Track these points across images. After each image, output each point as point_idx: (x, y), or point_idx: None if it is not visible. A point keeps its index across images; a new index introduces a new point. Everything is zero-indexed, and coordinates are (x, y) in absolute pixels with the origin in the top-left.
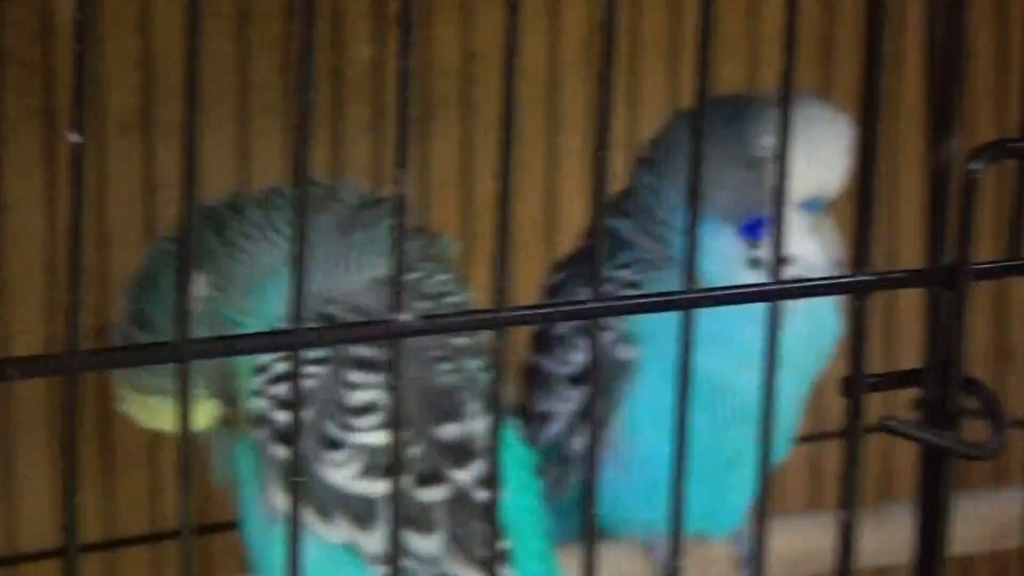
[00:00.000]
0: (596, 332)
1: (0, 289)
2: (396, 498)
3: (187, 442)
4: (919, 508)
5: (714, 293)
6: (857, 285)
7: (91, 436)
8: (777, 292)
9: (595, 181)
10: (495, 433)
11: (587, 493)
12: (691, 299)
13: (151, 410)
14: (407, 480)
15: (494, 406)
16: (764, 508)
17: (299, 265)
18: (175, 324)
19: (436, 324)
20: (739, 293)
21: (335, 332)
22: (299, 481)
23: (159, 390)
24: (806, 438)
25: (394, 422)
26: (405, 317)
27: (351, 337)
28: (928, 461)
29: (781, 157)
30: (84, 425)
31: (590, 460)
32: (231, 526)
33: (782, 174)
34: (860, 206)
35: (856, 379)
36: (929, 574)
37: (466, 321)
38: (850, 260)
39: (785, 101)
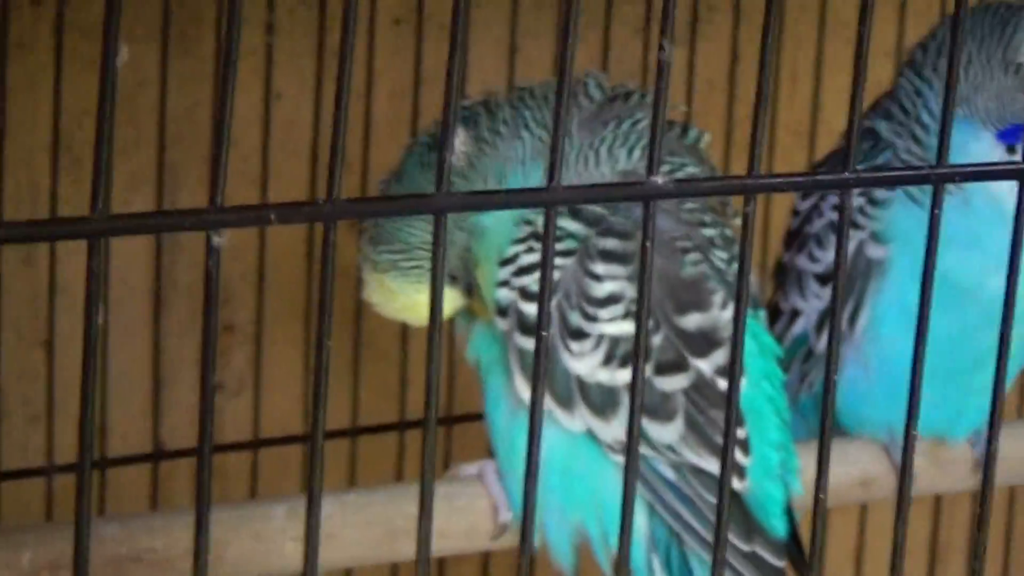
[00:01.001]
0: (846, 203)
1: (266, 177)
2: (637, 383)
3: (437, 304)
4: None
5: (965, 169)
6: None
7: (342, 330)
8: (1020, 171)
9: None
10: (739, 316)
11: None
12: (941, 174)
13: (395, 296)
14: (648, 368)
15: (740, 283)
16: (997, 409)
17: (559, 124)
18: (434, 175)
19: (689, 187)
20: (991, 170)
21: (590, 191)
22: (542, 364)
23: (402, 272)
24: None
25: (640, 286)
26: (659, 179)
27: (605, 196)
28: None
29: None
30: (336, 315)
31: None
32: (476, 417)
33: None
34: None
35: None
36: None
37: (718, 186)
38: None
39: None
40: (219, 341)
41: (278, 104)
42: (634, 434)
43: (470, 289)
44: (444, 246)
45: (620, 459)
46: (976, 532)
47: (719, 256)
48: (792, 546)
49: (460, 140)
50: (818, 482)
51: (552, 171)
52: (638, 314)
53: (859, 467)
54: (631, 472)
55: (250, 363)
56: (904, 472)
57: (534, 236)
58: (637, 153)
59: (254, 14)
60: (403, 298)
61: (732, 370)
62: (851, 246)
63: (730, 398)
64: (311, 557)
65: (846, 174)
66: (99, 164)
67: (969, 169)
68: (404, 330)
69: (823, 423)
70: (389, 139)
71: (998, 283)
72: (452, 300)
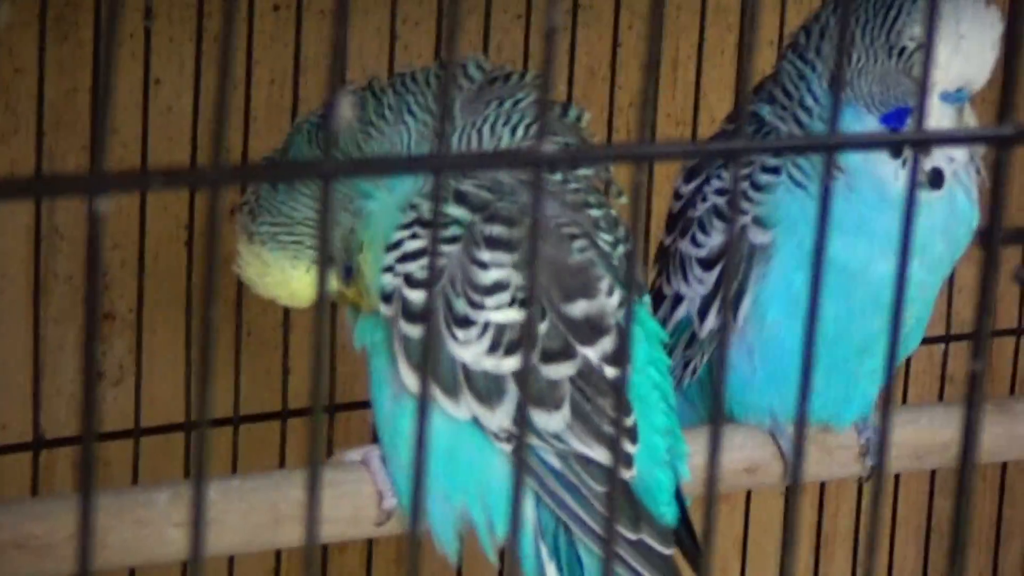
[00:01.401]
0: (736, 171)
1: (145, 163)
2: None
3: (324, 265)
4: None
5: (856, 138)
6: (1000, 137)
7: (224, 319)
8: (917, 140)
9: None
10: (627, 303)
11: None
12: (833, 143)
13: (269, 269)
14: (534, 356)
15: (627, 272)
16: (889, 395)
17: (444, 100)
18: (320, 144)
19: (578, 153)
20: (880, 138)
21: (478, 157)
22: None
23: (280, 245)
24: (937, 339)
25: (527, 262)
26: (548, 146)
27: (493, 163)
28: None
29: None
30: (218, 303)
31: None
32: (360, 405)
33: (927, 63)
34: (1006, 55)
35: (993, 231)
36: None
37: (608, 153)
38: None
39: None
40: (99, 329)
41: (157, 89)
42: (523, 421)
43: (348, 273)
44: (331, 213)
45: (505, 447)
46: (872, 515)
47: (604, 239)
48: (683, 532)
49: (347, 105)
50: (711, 471)
51: (440, 136)
52: (528, 284)
53: (745, 453)
54: (519, 460)
55: (131, 351)
56: (796, 458)
57: (419, 222)
58: (520, 132)
59: None
60: (277, 272)
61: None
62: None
63: (620, 391)
64: (197, 543)
65: (736, 143)
66: None
67: (860, 138)
68: (286, 318)
69: (714, 409)
70: (269, 126)
71: (884, 268)
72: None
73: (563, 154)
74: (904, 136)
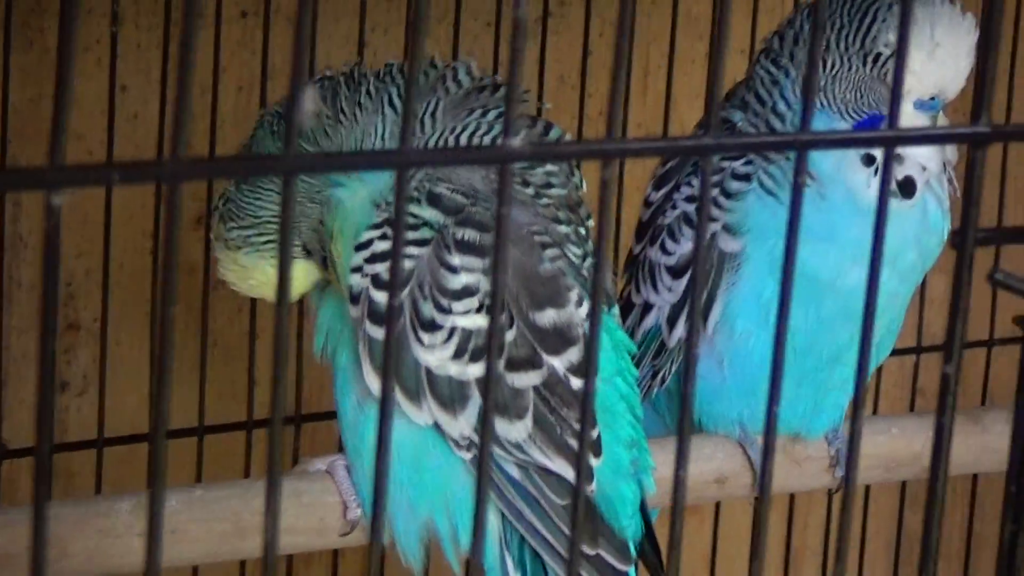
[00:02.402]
0: (706, 167)
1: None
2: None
3: (284, 262)
4: (1020, 368)
5: (829, 136)
6: (974, 136)
7: (188, 328)
8: (892, 138)
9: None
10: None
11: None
12: (805, 141)
13: (250, 272)
14: (500, 364)
15: (595, 281)
16: (860, 404)
17: (410, 89)
18: (283, 137)
19: (545, 150)
20: (854, 138)
21: (444, 153)
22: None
23: (255, 248)
24: (907, 351)
25: (495, 253)
26: (515, 142)
27: (459, 159)
28: None
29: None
30: (182, 314)
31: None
32: (325, 416)
33: (900, 62)
34: (981, 56)
35: (966, 232)
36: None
37: (576, 149)
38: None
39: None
40: (63, 339)
41: (123, 96)
42: (488, 429)
43: (325, 262)
44: (292, 209)
45: (466, 455)
46: (841, 528)
47: (574, 251)
48: (647, 546)
49: (310, 99)
50: (676, 483)
51: (404, 133)
52: (493, 281)
53: (714, 464)
54: (483, 468)
55: (95, 361)
56: (764, 472)
57: (390, 222)
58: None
59: (98, 4)
60: (258, 274)
61: (588, 368)
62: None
63: (585, 404)
64: (153, 551)
65: (706, 139)
66: None
67: (834, 136)
68: (251, 329)
69: (681, 421)
70: (236, 133)
71: (855, 277)
72: (309, 273)
73: (529, 151)
74: (878, 134)
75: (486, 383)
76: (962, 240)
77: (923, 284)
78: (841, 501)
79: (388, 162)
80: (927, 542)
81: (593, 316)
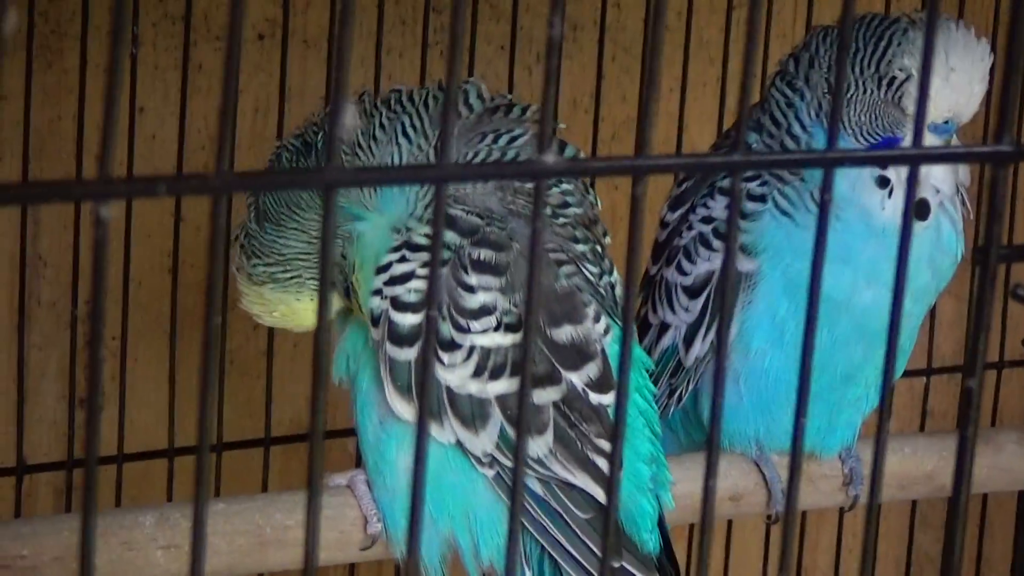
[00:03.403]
0: (736, 184)
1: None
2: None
3: (325, 276)
4: None
5: (854, 155)
6: (997, 155)
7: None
8: (916, 156)
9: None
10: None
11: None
12: (831, 159)
13: (274, 305)
14: (518, 380)
15: (617, 303)
16: (883, 424)
17: (450, 104)
18: (293, 151)
19: (579, 166)
20: (879, 156)
21: (480, 168)
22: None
23: (280, 284)
24: (918, 372)
25: (528, 277)
26: (549, 158)
27: (496, 173)
28: None
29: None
30: (200, 333)
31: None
32: (344, 433)
33: (925, 82)
34: (1004, 75)
35: (989, 248)
36: None
37: (608, 165)
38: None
39: (928, 24)
40: (82, 357)
41: (142, 118)
42: (521, 447)
43: (348, 292)
44: (334, 223)
45: (488, 471)
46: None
47: (590, 270)
48: (665, 561)
49: (351, 115)
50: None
51: (443, 147)
52: (528, 297)
53: (729, 481)
54: (516, 487)
55: (114, 379)
56: (791, 490)
57: (407, 245)
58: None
59: None
60: (283, 307)
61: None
62: (719, 259)
63: (618, 415)
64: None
65: (736, 156)
66: None
67: (859, 154)
68: (269, 347)
69: (710, 439)
70: (254, 155)
71: (869, 297)
72: (332, 303)
73: (564, 166)
74: (902, 151)
75: (519, 406)
76: (984, 257)
77: (934, 306)
78: (864, 517)
79: (426, 176)
80: (948, 556)
81: (625, 330)
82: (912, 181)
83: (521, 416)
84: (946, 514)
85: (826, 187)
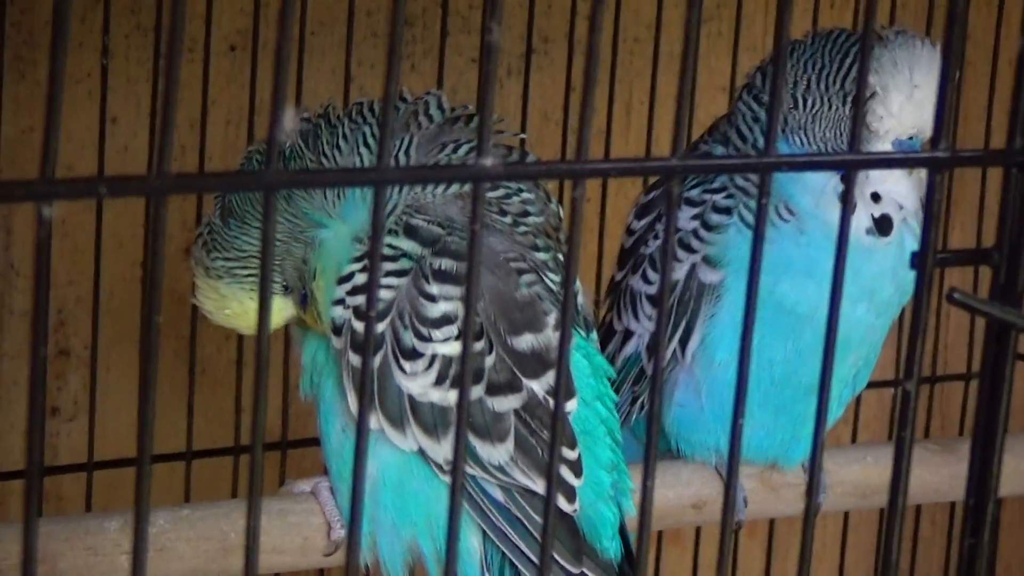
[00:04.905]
0: (675, 187)
1: (100, 201)
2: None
3: (266, 282)
4: (982, 381)
5: (793, 159)
6: (935, 160)
7: (176, 356)
8: (855, 162)
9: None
10: (563, 325)
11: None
12: (769, 163)
13: (227, 301)
14: (480, 388)
15: (568, 304)
16: (819, 431)
17: (389, 105)
18: (263, 155)
19: (517, 170)
20: (817, 161)
21: (419, 171)
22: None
23: (236, 280)
24: (887, 383)
25: (468, 271)
26: (488, 161)
27: (435, 176)
28: (992, 336)
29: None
30: (170, 342)
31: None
32: (311, 442)
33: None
34: (940, 85)
35: (926, 253)
36: (987, 446)
37: (547, 169)
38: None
39: (864, 36)
40: (54, 365)
41: (113, 128)
42: (460, 453)
43: (304, 300)
44: (273, 225)
45: (450, 479)
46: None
47: (552, 279)
48: (626, 568)
49: (289, 118)
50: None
51: (381, 151)
52: (466, 306)
53: (692, 489)
54: (456, 491)
55: (85, 387)
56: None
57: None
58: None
59: (89, 37)
60: (235, 304)
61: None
62: (683, 269)
63: (555, 416)
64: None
65: (672, 160)
66: None
67: (797, 159)
68: (239, 357)
69: (648, 444)
70: (224, 165)
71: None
72: (284, 309)
73: (501, 170)
74: (841, 157)
75: (459, 402)
76: (922, 262)
77: (900, 318)
78: (801, 525)
79: (365, 179)
80: (887, 557)
81: (563, 327)
82: (850, 183)
83: (460, 415)
84: (886, 515)
85: (762, 192)
